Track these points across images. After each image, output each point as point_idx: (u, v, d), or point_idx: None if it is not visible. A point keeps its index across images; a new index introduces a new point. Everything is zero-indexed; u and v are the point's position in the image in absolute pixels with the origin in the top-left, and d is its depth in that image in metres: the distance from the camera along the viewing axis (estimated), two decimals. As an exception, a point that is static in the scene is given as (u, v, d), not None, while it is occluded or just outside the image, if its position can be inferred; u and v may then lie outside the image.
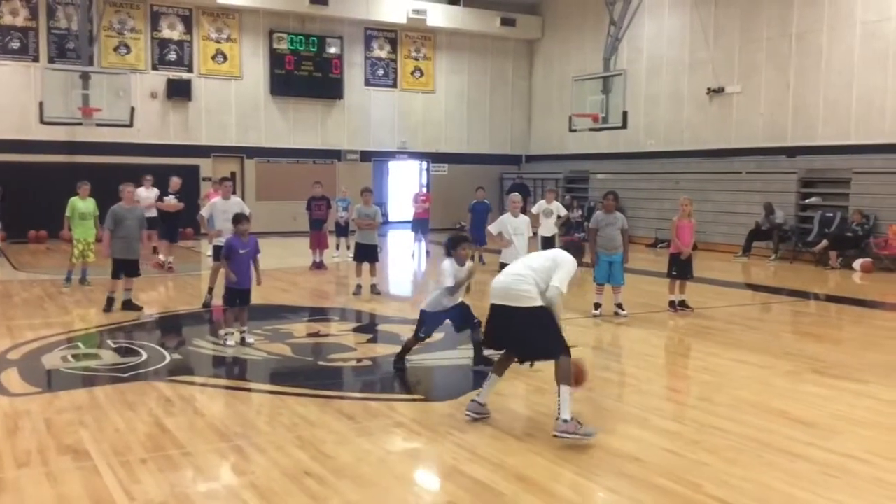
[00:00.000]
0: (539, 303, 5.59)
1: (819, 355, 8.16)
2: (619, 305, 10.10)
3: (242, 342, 8.31)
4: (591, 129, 18.85)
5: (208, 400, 6.56)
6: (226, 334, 8.39)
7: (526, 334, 5.61)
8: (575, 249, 6.03)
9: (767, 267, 16.27)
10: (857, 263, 14.99)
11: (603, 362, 8.19)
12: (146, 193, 14.24)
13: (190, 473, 4.87)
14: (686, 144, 20.14)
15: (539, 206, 13.94)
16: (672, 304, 10.59)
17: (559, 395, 5.39)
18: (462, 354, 8.16)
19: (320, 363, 7.86)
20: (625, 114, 17.69)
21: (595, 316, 10.00)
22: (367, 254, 11.87)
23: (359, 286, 11.81)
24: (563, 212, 14.49)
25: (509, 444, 5.38)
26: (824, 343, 9.06)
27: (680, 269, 10.56)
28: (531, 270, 5.72)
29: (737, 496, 4.50)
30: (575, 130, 19.45)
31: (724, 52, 19.55)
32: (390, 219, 25.22)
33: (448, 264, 7.18)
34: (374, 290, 11.80)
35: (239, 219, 8.52)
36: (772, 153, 18.14)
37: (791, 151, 17.79)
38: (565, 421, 5.32)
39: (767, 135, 18.38)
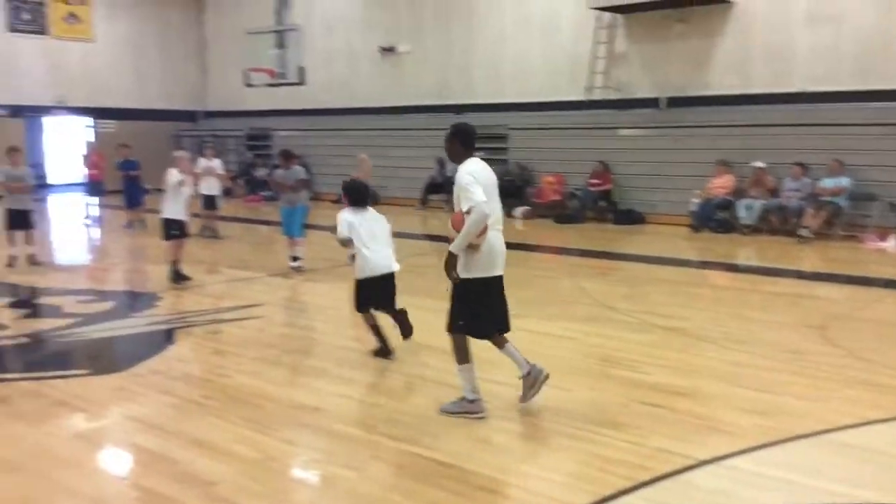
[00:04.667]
0: None
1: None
2: (295, 258, 10.20)
3: None
4: (269, 85, 18.53)
5: None
6: None
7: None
8: None
9: (443, 217, 17.34)
10: (517, 211, 16.54)
11: (287, 318, 8.25)
12: None
13: None
14: (363, 101, 20.62)
15: (200, 164, 13.54)
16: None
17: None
18: (138, 322, 7.72)
19: (-42, 343, 6.95)
20: (301, 69, 17.60)
21: (294, 269, 10.07)
22: (22, 220, 10.67)
23: (13, 257, 10.56)
24: (222, 170, 14.24)
25: (187, 411, 5.21)
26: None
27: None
28: None
29: (405, 431, 4.79)
30: (251, 86, 18.98)
31: (393, 11, 20.20)
32: (50, 181, 22.83)
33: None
34: (33, 260, 10.65)
35: None
36: (440, 110, 19.23)
37: (457, 108, 19.02)
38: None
39: (436, 93, 19.42)
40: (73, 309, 8.14)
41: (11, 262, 10.45)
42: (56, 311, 8.02)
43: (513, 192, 16.94)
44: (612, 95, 16.22)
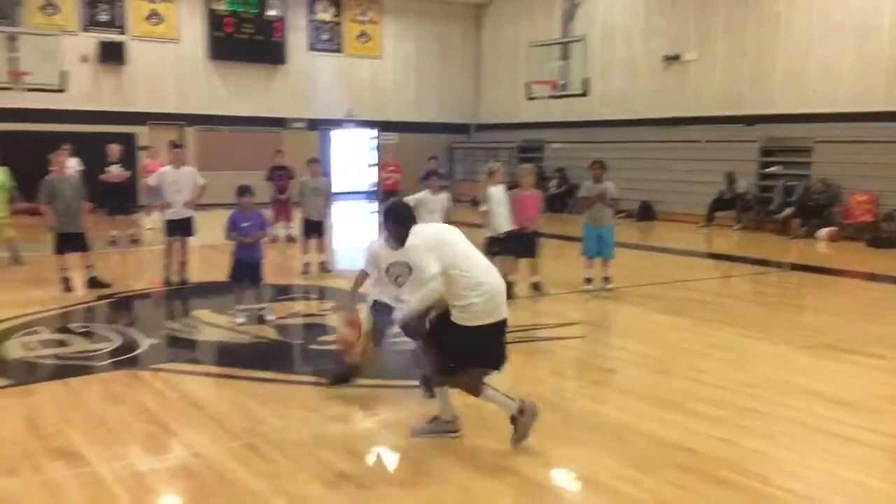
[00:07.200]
0: None
1: (825, 328, 8.04)
2: (607, 279, 9.78)
3: (260, 320, 7.90)
4: (551, 97, 18.46)
5: (203, 390, 5.97)
6: (240, 311, 7.94)
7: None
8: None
9: (731, 236, 16.28)
10: (823, 232, 15.04)
11: (613, 340, 7.92)
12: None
13: (208, 479, 4.32)
14: (642, 113, 19.95)
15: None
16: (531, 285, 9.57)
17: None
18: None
19: (312, 347, 7.30)
20: (586, 81, 17.32)
21: (587, 291, 9.65)
22: (315, 229, 11.24)
23: (306, 264, 11.07)
24: None
25: (553, 437, 4.97)
26: (824, 315, 8.95)
27: (525, 245, 9.33)
28: None
29: (810, 488, 4.22)
30: (533, 98, 19.00)
31: (679, 18, 19.36)
32: (335, 190, 24.45)
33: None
34: (324, 267, 11.13)
35: (242, 191, 7.97)
36: (730, 121, 18.08)
37: (749, 119, 17.77)
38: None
39: (725, 103, 18.30)
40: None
41: (305, 269, 10.97)
42: (384, 318, 8.26)
43: (815, 211, 15.51)
44: (944, 105, 14.31)
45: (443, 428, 4.90)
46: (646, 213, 18.70)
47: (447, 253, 4.60)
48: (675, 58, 19.29)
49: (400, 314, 4.78)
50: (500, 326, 4.74)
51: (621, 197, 10.35)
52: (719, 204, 17.07)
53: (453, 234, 4.81)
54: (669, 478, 4.35)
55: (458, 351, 4.68)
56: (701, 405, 5.55)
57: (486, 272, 4.68)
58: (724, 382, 6.08)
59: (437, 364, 4.80)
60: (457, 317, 4.60)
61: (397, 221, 4.93)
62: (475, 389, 4.79)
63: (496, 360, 4.82)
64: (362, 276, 5.94)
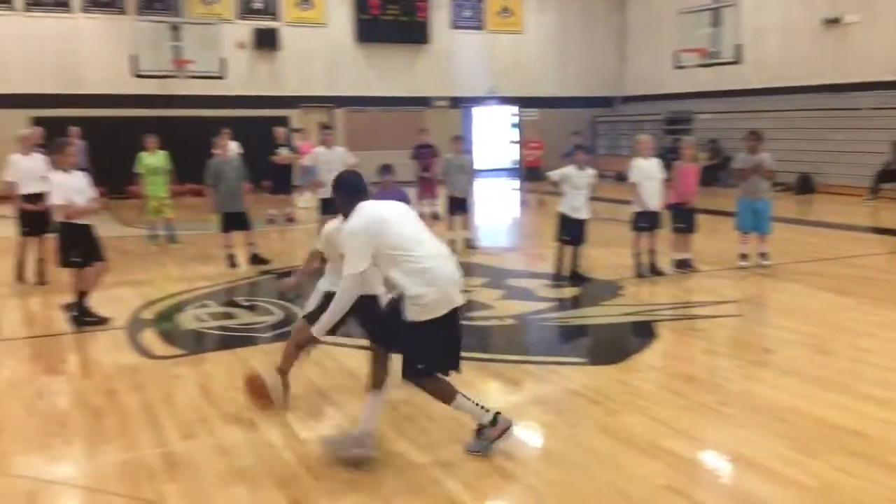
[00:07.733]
0: None
1: None
2: (764, 255, 9.37)
3: None
4: (700, 66, 17.74)
5: (358, 362, 6.17)
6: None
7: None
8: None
9: (899, 210, 15.18)
10: None
11: (771, 318, 7.60)
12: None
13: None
14: (799, 80, 18.83)
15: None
16: (676, 262, 9.20)
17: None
18: (610, 312, 7.68)
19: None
20: (738, 47, 16.52)
21: (742, 267, 9.28)
22: (459, 206, 11.33)
23: (451, 241, 11.16)
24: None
25: (706, 417, 4.87)
26: None
27: (685, 220, 9.16)
28: None
29: None
30: (682, 67, 18.32)
31: (840, -22, 18.12)
32: (476, 167, 24.59)
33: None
34: (470, 243, 11.25)
35: (384, 170, 8.15)
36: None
37: (920, 84, 16.46)
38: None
39: (891, 67, 17.00)
40: (544, 293, 8.37)
41: (451, 247, 11.01)
42: (530, 295, 8.29)
43: None
44: None
45: (359, 444, 4.28)
46: (804, 185, 17.70)
47: (392, 232, 4.11)
48: (835, 20, 18.07)
49: (317, 325, 4.27)
50: (455, 317, 4.24)
51: (778, 169, 9.84)
52: (885, 175, 15.91)
53: (401, 214, 4.32)
54: (836, 462, 4.16)
55: (420, 351, 4.23)
56: (868, 387, 5.26)
57: (436, 258, 4.19)
58: (894, 364, 5.72)
59: (405, 360, 4.29)
60: (410, 312, 4.11)
61: (346, 193, 4.33)
62: (447, 395, 4.32)
63: (453, 359, 4.32)
64: (315, 255, 5.36)
